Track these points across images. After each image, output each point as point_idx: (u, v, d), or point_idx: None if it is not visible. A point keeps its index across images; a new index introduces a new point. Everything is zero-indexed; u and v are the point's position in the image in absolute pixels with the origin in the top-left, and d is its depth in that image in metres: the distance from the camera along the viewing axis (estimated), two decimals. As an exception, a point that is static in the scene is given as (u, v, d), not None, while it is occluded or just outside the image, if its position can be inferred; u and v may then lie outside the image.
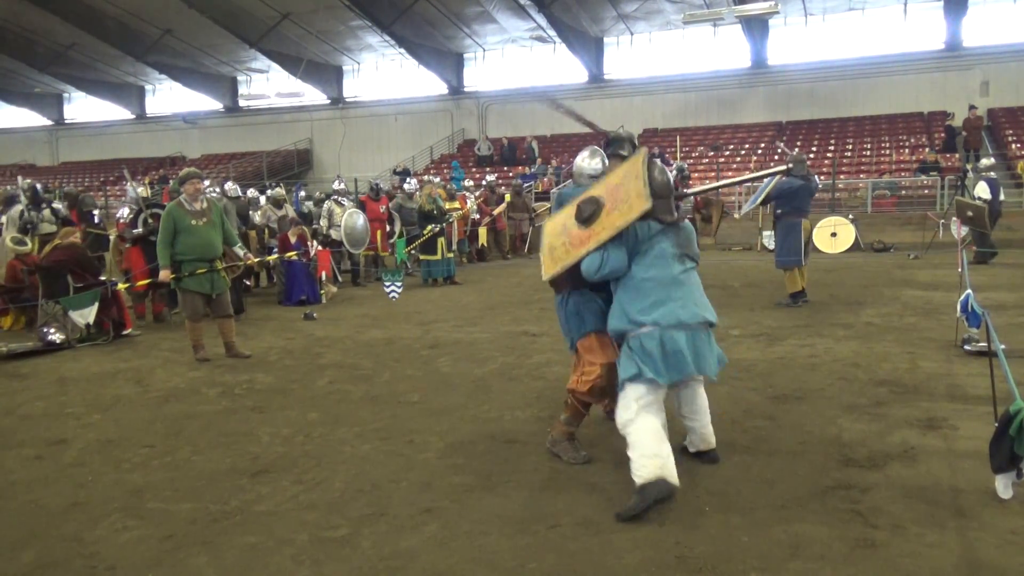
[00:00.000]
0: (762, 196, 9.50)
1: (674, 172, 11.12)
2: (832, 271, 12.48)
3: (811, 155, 21.44)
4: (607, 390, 3.98)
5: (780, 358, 6.53)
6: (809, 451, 4.25)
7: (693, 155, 23.34)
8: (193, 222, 7.04)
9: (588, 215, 3.83)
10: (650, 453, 3.50)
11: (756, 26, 23.19)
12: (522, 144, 25.97)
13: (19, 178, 12.28)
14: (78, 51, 29.29)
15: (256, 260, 10.25)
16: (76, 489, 4.04)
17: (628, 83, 26.18)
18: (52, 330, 7.80)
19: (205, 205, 7.21)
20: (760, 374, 6.00)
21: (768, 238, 16.62)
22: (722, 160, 22.04)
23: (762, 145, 22.72)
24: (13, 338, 8.37)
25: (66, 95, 35.24)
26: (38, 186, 11.12)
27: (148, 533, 3.48)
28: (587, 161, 4.40)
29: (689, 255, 3.90)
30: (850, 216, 16.62)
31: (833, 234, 15.93)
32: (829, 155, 21.12)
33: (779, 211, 9.22)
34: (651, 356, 3.61)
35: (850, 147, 22.11)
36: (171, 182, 12.85)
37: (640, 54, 26.08)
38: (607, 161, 4.36)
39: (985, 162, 14.13)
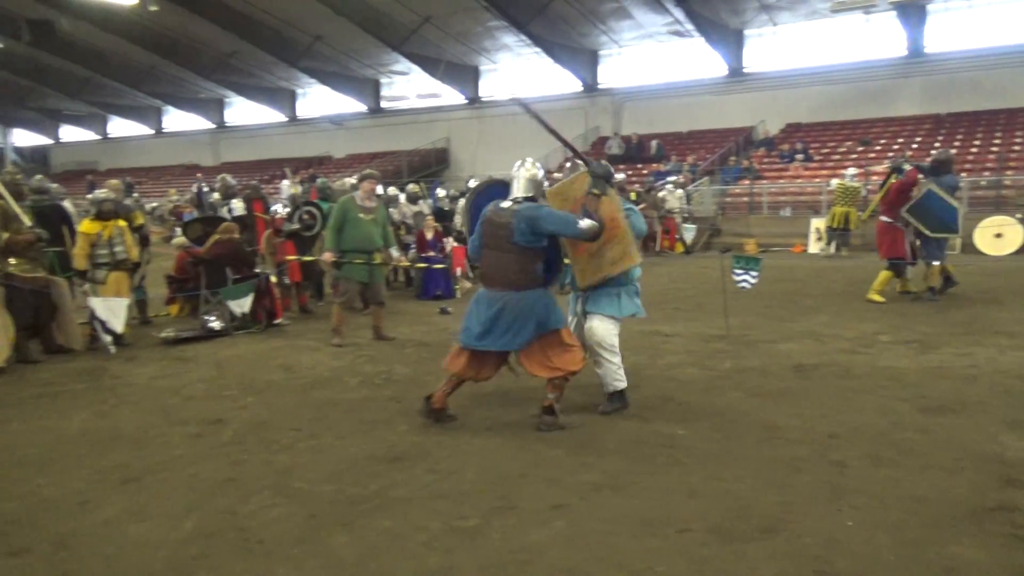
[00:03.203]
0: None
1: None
2: (995, 275, 11.51)
3: (974, 150, 19.84)
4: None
5: (934, 367, 6.10)
6: (966, 468, 3.95)
7: (840, 150, 22.13)
8: (361, 216, 7.77)
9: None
10: (619, 364, 5.07)
11: (912, 12, 21.64)
12: (648, 141, 25.54)
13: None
14: (238, 59, 31.47)
15: (408, 264, 10.89)
16: (231, 466, 4.35)
17: (769, 76, 25.09)
18: (213, 318, 8.44)
19: (374, 204, 8.00)
20: (911, 384, 5.63)
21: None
22: (872, 155, 20.75)
23: (918, 139, 21.22)
24: (179, 324, 9.10)
25: (227, 100, 37.90)
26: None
27: (293, 511, 3.70)
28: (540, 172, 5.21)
29: None
30: (1018, 216, 15.27)
31: (998, 235, 14.71)
32: (995, 149, 19.43)
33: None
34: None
35: (1019, 140, 20.25)
36: (318, 180, 13.59)
37: (783, 45, 24.96)
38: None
39: None
